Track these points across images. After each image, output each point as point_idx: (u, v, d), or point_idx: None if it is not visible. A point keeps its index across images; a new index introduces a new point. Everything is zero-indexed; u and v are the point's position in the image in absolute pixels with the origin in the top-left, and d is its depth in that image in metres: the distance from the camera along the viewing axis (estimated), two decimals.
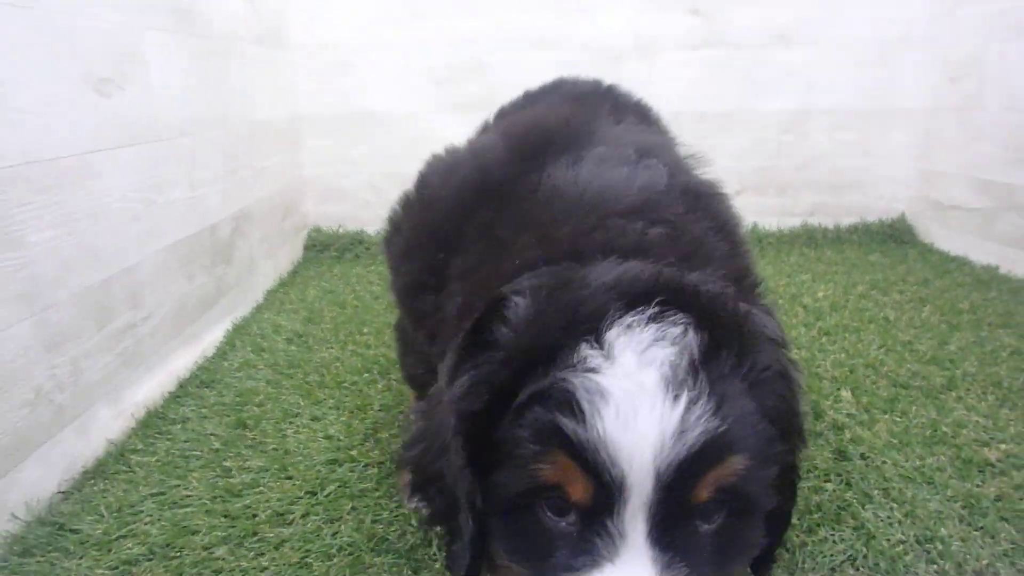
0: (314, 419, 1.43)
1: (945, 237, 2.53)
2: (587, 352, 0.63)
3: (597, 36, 2.52)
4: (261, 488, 1.20)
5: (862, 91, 2.59)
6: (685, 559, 0.63)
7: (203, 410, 1.48)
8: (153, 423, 1.43)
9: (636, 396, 0.61)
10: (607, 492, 0.62)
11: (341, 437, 1.36)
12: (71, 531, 1.10)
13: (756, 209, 2.68)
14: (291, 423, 1.42)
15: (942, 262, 2.37)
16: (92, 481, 1.24)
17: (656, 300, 0.66)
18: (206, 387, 1.60)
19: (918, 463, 1.22)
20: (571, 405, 0.61)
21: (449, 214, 0.97)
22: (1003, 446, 1.27)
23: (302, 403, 1.49)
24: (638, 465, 0.60)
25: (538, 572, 0.67)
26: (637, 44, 2.53)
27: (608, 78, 2.48)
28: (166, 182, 1.59)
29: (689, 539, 0.64)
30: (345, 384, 1.57)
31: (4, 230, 1.09)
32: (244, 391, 1.56)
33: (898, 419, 1.36)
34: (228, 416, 1.45)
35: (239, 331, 1.91)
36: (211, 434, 1.38)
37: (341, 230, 2.69)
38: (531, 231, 0.84)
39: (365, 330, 1.89)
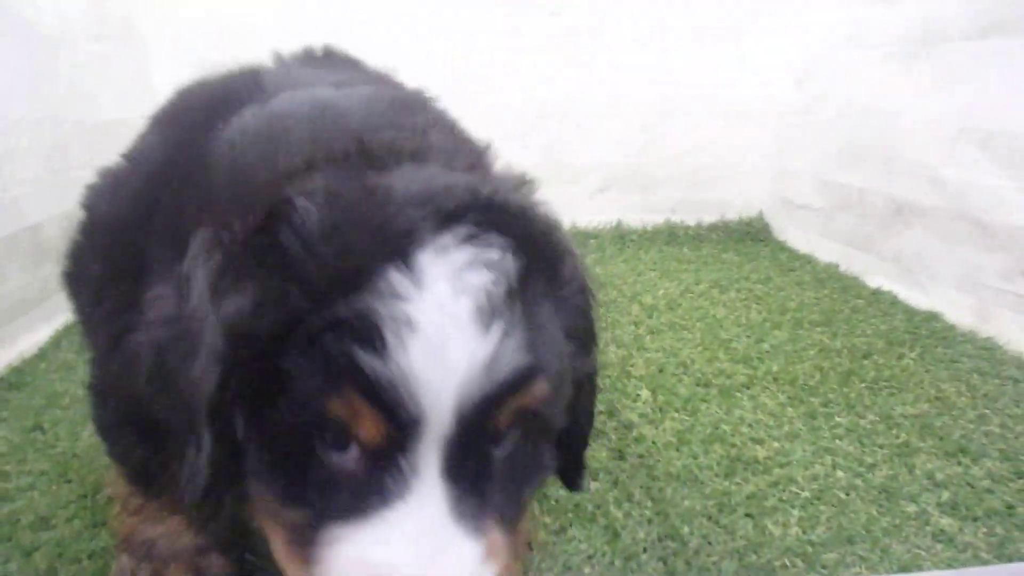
0: None
1: (796, 236, 2.61)
2: (395, 277, 0.56)
3: (454, 38, 2.50)
4: (34, 492, 1.16)
5: (718, 90, 2.64)
6: (478, 489, 0.60)
7: (3, 413, 1.42)
8: None
9: (444, 327, 0.55)
10: (400, 430, 0.57)
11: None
12: None
13: (620, 207, 2.72)
14: (89, 425, 1.35)
15: (789, 260, 2.45)
16: None
17: (470, 218, 0.60)
18: (15, 389, 1.53)
19: (690, 462, 1.26)
20: (372, 337, 0.54)
21: (135, 210, 0.85)
22: (775, 444, 1.31)
23: None
24: (441, 401, 0.56)
25: (318, 517, 0.60)
26: (497, 43, 2.53)
27: (470, 74, 2.49)
28: None
29: (483, 468, 0.61)
30: None
31: None
32: (53, 394, 1.50)
33: (686, 418, 1.40)
34: (26, 419, 1.39)
35: (69, 331, 1.84)
36: (2, 438, 1.32)
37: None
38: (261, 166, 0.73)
39: None
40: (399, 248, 0.57)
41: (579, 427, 0.75)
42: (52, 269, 1.84)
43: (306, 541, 0.60)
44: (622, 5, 2.55)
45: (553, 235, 0.67)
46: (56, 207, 1.87)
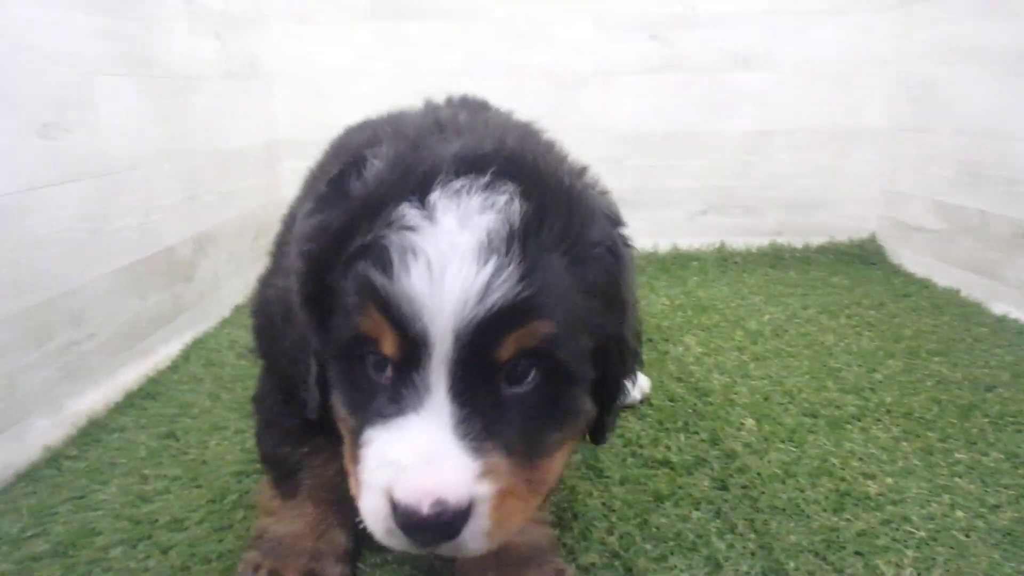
0: (238, 432, 1.49)
1: (911, 259, 2.50)
2: (408, 211, 0.67)
3: (558, 61, 2.58)
4: (169, 495, 1.27)
5: (821, 112, 2.59)
6: (485, 415, 0.68)
7: (142, 420, 1.56)
8: (92, 432, 1.52)
9: (445, 256, 0.64)
10: (414, 347, 0.66)
11: (256, 451, 1.43)
12: None
13: (723, 229, 2.69)
14: (215, 435, 1.49)
15: (904, 284, 2.34)
16: (22, 484, 1.32)
17: (491, 169, 0.70)
18: (151, 399, 1.68)
19: (796, 495, 1.23)
20: (384, 261, 0.65)
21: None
22: (888, 479, 1.27)
23: (232, 416, 1.56)
24: (439, 322, 0.64)
25: (359, 420, 0.72)
26: (597, 69, 2.58)
27: (570, 101, 2.56)
28: (114, 212, 1.72)
29: (491, 397, 0.68)
30: None
31: None
32: (184, 403, 1.64)
33: (793, 449, 1.37)
34: (161, 427, 1.52)
35: (197, 345, 2.01)
36: (141, 443, 1.46)
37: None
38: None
39: None
40: (417, 187, 0.68)
41: (606, 387, 0.81)
42: (184, 288, 2.03)
43: (357, 443, 0.72)
44: (722, 29, 2.55)
45: (575, 195, 0.75)
46: (188, 230, 2.07)
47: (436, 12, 2.56)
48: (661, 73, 2.59)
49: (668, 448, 1.38)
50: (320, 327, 0.74)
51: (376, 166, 0.74)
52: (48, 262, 1.49)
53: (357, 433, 0.72)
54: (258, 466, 1.35)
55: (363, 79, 2.58)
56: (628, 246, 0.82)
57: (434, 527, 0.64)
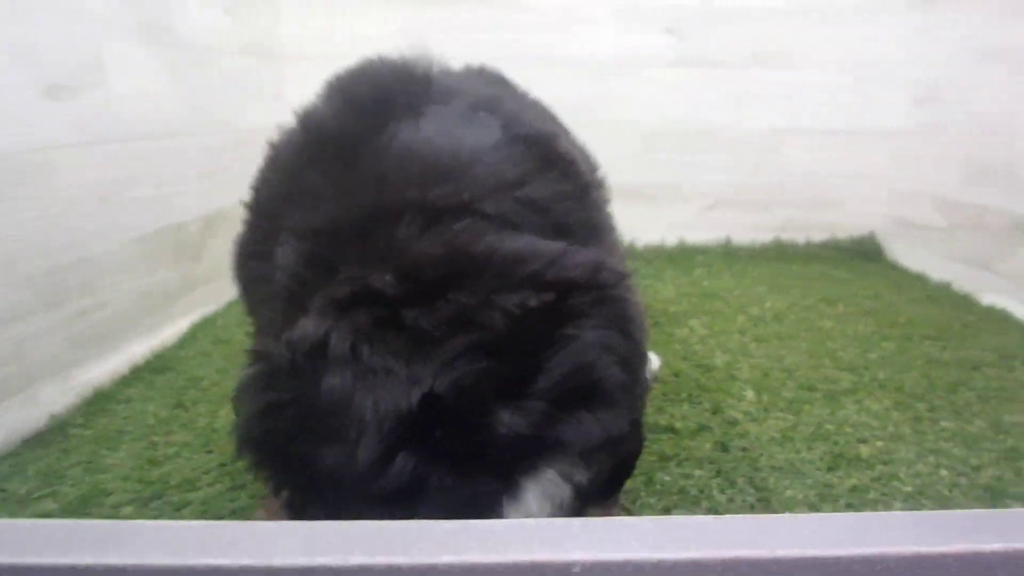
0: None
1: (909, 255, 2.58)
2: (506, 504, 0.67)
3: (579, 54, 2.65)
4: (180, 459, 1.32)
5: (836, 112, 2.67)
6: None
7: (149, 393, 1.61)
8: (99, 402, 1.56)
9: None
10: None
11: None
12: None
13: (730, 224, 2.78)
14: (226, 405, 1.52)
15: (901, 279, 2.43)
16: (30, 449, 1.36)
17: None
18: (158, 373, 1.73)
19: (793, 456, 1.32)
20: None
21: (287, 172, 1.01)
22: (879, 443, 1.36)
23: None
24: None
25: None
26: (617, 62, 2.65)
27: (590, 94, 2.63)
28: (126, 182, 1.74)
29: None
30: None
31: None
32: (193, 377, 1.69)
33: (791, 417, 1.46)
34: (169, 398, 1.57)
35: (205, 324, 2.06)
36: (150, 413, 1.51)
37: None
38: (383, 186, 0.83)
39: None
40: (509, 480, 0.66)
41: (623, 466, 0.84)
42: (192, 266, 2.07)
43: None
44: (738, 25, 2.63)
45: (618, 406, 0.71)
46: (199, 207, 2.08)
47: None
48: (678, 68, 2.66)
49: (672, 416, 1.47)
50: None
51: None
52: (61, 228, 1.49)
53: None
54: None
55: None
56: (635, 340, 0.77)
57: None
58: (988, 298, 2.12)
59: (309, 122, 1.05)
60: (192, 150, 2.06)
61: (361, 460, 0.61)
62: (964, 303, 2.14)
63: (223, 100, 2.25)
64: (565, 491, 0.69)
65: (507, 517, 0.65)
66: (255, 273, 0.98)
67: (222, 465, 1.31)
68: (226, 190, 2.23)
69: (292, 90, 2.64)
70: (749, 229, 2.79)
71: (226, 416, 1.49)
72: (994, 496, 1.19)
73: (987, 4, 2.20)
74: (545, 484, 0.67)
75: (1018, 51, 2.09)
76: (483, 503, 0.64)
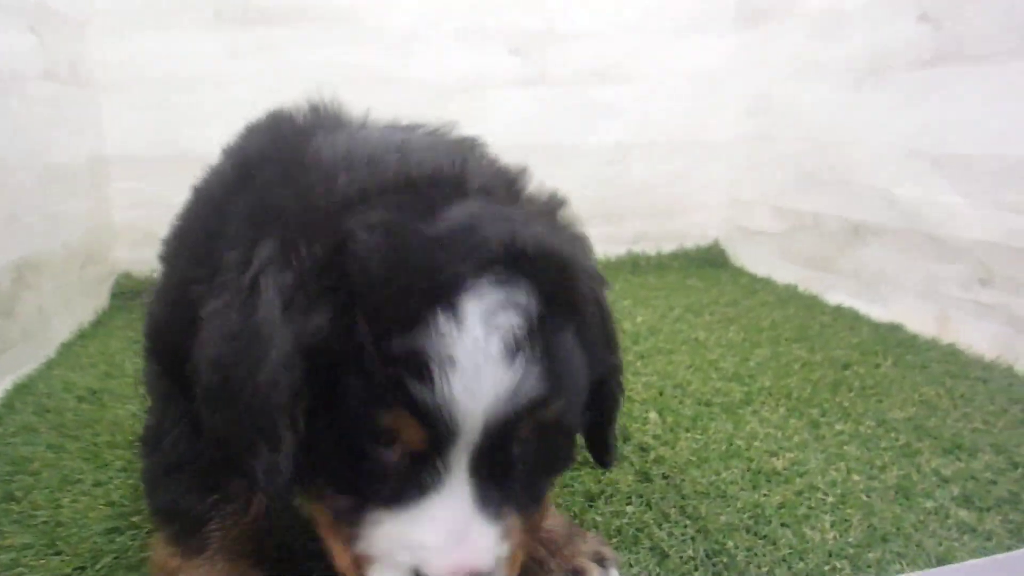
0: (97, 484, 1.28)
1: (753, 260, 2.74)
2: (442, 320, 0.67)
3: (424, 75, 2.56)
4: (21, 568, 1.06)
5: (675, 125, 2.77)
6: (499, 483, 0.72)
7: None
8: None
9: (480, 364, 0.66)
10: (438, 439, 0.68)
11: (126, 502, 1.22)
12: None
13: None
14: (69, 491, 1.26)
15: (750, 283, 2.56)
16: None
17: (501, 267, 0.70)
18: None
19: (714, 478, 1.28)
20: (422, 371, 0.66)
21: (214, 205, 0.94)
22: (789, 455, 1.35)
23: (86, 467, 1.34)
24: (473, 420, 0.67)
25: (363, 502, 0.72)
26: (463, 83, 2.58)
27: (436, 115, 2.52)
28: None
29: (504, 466, 0.72)
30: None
31: None
32: (18, 459, 1.37)
33: (699, 436, 1.42)
34: None
35: (21, 391, 1.71)
36: None
37: (155, 275, 2.50)
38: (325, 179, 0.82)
39: None
40: (446, 295, 0.68)
41: (604, 413, 0.88)
42: (5, 323, 1.72)
43: (351, 522, 0.73)
44: (580, 45, 2.65)
45: (570, 269, 0.77)
46: (7, 256, 1.76)
47: (286, 18, 2.42)
48: (525, 87, 2.64)
49: (583, 448, 1.37)
50: (310, 415, 0.71)
51: (376, 256, 0.70)
52: None
53: (353, 512, 0.73)
54: (134, 520, 1.17)
55: (208, 90, 2.37)
56: (605, 284, 0.89)
57: None
58: (833, 297, 2.27)
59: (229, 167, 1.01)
60: None
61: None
62: (814, 304, 2.27)
63: (27, 132, 1.90)
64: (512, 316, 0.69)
65: (447, 339, 0.66)
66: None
67: (79, 569, 1.04)
68: (36, 235, 1.91)
69: (107, 118, 2.30)
70: (603, 242, 2.79)
71: (72, 504, 1.20)
72: (905, 496, 1.22)
73: (808, 23, 2.38)
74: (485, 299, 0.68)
75: (837, 67, 2.27)
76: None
